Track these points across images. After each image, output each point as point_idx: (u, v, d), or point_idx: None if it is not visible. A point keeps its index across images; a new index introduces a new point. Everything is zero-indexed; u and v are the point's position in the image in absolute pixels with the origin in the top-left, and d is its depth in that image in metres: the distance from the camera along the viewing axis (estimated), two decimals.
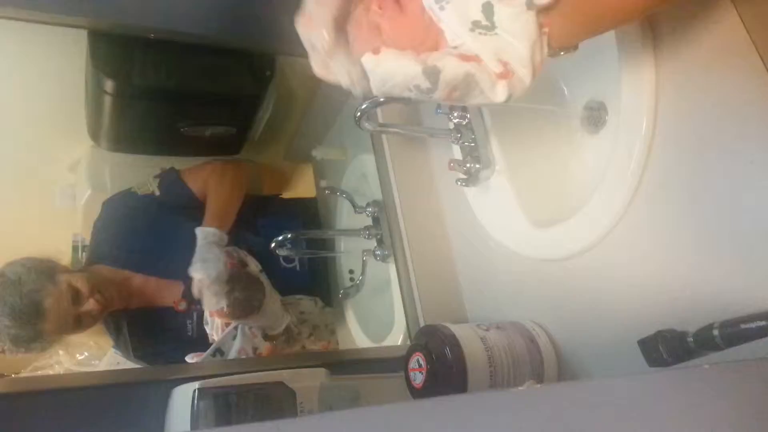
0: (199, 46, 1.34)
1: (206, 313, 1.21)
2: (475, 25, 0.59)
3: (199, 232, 1.28)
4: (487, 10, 0.58)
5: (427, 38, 0.63)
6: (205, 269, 1.19)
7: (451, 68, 0.59)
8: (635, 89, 0.81)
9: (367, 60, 0.61)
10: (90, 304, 1.19)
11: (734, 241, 0.69)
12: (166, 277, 1.34)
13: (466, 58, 0.59)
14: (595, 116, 0.97)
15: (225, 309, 1.17)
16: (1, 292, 1.14)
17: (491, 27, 0.58)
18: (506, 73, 0.59)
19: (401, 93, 0.62)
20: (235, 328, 1.19)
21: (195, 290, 1.18)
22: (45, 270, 1.21)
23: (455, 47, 0.61)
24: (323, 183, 1.63)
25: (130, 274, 1.32)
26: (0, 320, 1.13)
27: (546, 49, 0.61)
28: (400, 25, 0.63)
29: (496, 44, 0.59)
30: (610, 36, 0.82)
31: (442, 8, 0.60)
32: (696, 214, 0.74)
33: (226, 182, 1.44)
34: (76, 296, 1.19)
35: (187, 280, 1.24)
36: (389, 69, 0.60)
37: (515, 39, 0.58)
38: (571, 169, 1.01)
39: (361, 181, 1.49)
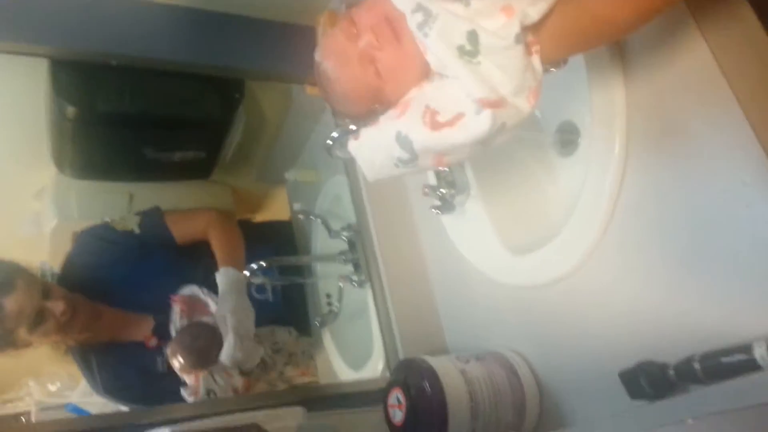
0: (164, 70, 1.31)
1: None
2: (461, 50, 0.58)
3: (225, 272, 1.27)
4: (472, 37, 0.58)
5: (422, 66, 0.62)
6: (247, 323, 1.20)
7: (420, 140, 0.61)
8: (606, 110, 0.80)
9: (352, 146, 0.66)
10: (58, 304, 1.18)
11: (713, 267, 0.68)
12: (138, 312, 1.30)
13: (438, 125, 0.59)
14: (568, 139, 0.96)
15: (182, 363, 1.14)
16: None
17: (475, 53, 0.58)
18: (497, 102, 0.58)
19: (392, 172, 0.65)
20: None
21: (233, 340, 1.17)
22: (25, 266, 1.21)
23: (440, 74, 0.62)
24: (297, 206, 1.60)
25: (101, 307, 1.29)
26: None
27: (540, 70, 0.60)
28: (397, 56, 0.63)
29: (483, 72, 0.58)
30: (579, 57, 0.81)
31: (426, 35, 0.60)
32: (673, 239, 0.73)
33: (229, 229, 1.43)
34: (47, 291, 1.18)
35: (158, 316, 1.19)
36: (371, 146, 0.64)
37: (502, 71, 0.58)
38: (547, 193, 1.00)
39: (335, 203, 1.47)
